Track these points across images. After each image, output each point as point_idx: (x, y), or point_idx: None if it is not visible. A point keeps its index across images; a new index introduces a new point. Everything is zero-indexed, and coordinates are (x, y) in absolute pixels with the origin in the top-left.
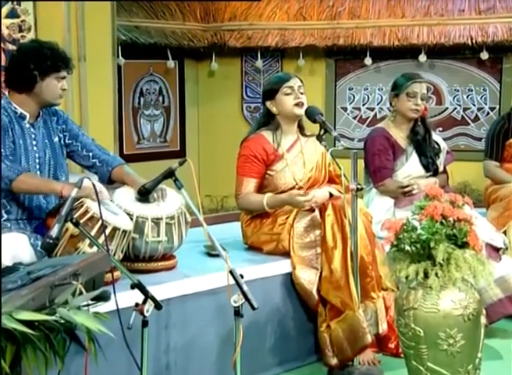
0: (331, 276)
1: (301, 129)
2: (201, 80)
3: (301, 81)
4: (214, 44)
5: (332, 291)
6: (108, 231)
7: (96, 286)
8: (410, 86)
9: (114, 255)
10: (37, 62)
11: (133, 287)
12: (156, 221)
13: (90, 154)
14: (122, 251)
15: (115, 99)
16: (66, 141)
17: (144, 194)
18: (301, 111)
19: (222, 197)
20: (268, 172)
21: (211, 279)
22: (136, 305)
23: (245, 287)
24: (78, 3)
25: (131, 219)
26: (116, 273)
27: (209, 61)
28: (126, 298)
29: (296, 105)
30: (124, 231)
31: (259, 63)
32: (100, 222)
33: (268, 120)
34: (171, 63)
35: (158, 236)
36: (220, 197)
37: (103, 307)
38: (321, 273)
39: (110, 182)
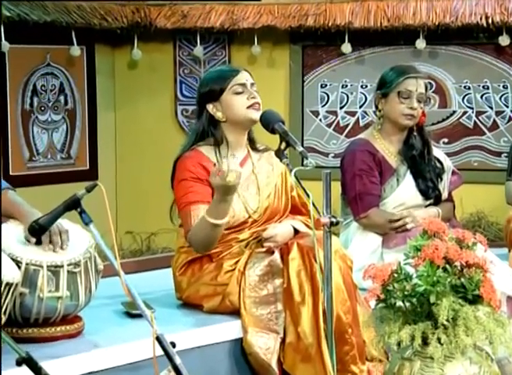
0: (298, 343)
1: (252, 142)
2: (119, 74)
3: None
4: (136, 25)
5: (300, 364)
6: None
7: None
8: (403, 82)
9: None
10: None
11: (19, 362)
12: (54, 270)
13: None
14: (5, 312)
15: None
16: None
17: (37, 233)
18: (258, 115)
19: (149, 234)
20: None
21: (131, 349)
22: None
23: (178, 360)
24: None
25: (18, 267)
26: None
27: (130, 47)
28: None
29: (252, 106)
30: (8, 284)
31: (199, 51)
32: None
33: (209, 130)
34: (76, 50)
35: (57, 290)
36: (146, 234)
37: None
38: (283, 339)
39: None
